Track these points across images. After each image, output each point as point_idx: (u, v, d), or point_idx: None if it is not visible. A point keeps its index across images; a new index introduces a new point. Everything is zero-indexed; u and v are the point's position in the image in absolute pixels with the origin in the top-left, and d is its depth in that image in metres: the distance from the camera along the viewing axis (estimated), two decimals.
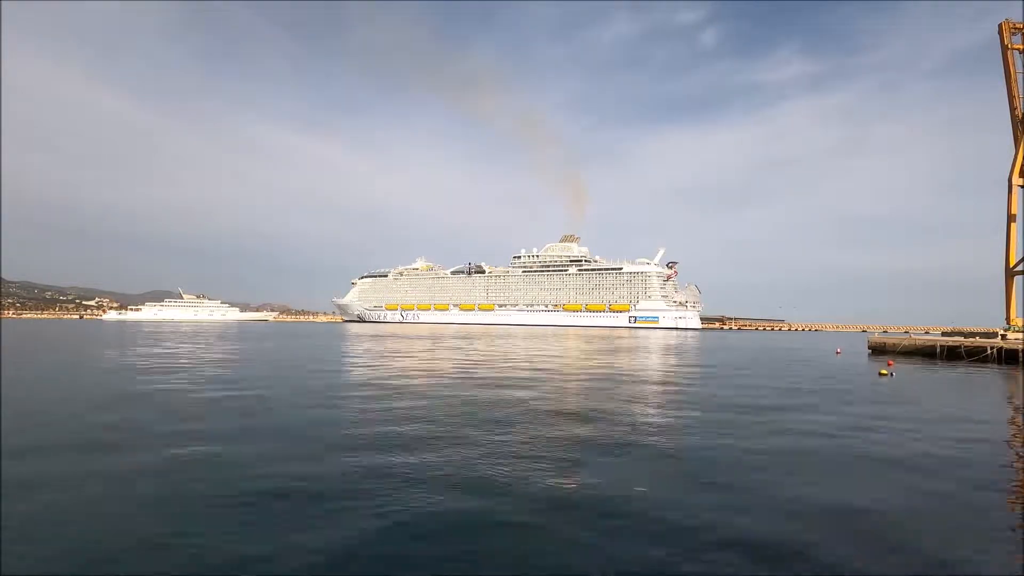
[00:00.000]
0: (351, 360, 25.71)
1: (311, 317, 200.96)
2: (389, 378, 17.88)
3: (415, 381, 17.07)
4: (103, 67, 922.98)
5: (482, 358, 26.83)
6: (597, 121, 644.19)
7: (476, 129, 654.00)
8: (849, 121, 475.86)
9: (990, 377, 23.51)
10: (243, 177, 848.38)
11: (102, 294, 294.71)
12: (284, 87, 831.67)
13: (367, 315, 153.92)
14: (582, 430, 9.94)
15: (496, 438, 9.12)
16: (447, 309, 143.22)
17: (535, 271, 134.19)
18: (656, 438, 9.50)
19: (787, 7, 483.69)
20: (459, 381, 17.19)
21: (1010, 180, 42.49)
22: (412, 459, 7.68)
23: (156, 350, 29.70)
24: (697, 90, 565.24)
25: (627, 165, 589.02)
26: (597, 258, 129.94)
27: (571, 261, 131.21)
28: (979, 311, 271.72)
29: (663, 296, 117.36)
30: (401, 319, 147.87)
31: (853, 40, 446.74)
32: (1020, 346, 31.15)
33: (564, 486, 6.63)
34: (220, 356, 26.54)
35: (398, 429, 9.67)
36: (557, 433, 9.63)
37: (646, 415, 11.88)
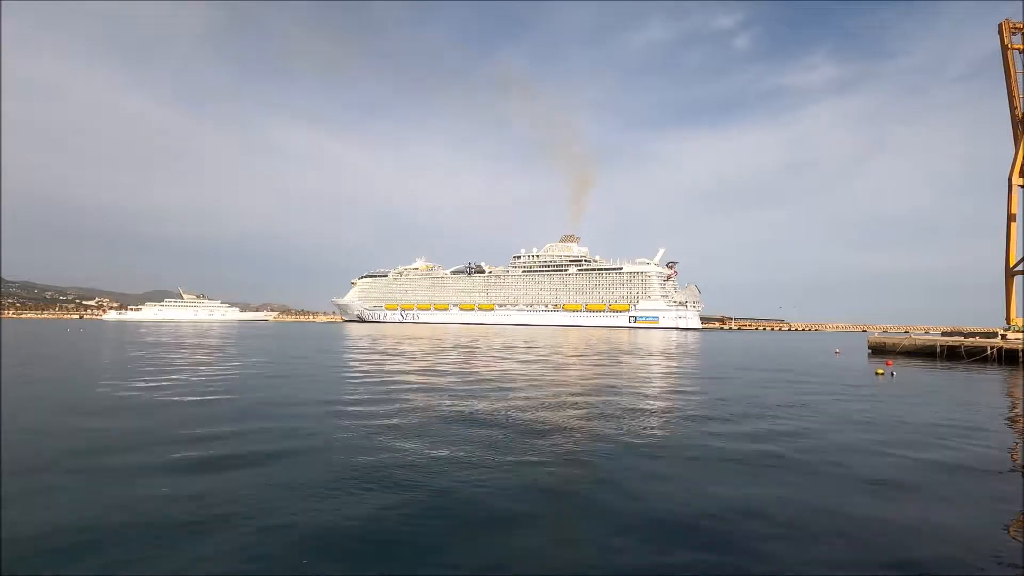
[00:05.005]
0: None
1: (311, 317, 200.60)
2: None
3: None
4: (101, 66, 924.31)
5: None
6: (618, 125, 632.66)
7: (489, 128, 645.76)
8: (867, 125, 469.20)
9: (990, 377, 23.47)
10: (243, 177, 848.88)
11: (102, 294, 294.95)
12: (293, 86, 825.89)
13: (367, 315, 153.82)
14: None
15: None
16: (447, 309, 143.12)
17: (535, 271, 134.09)
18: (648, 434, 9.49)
19: (822, 8, 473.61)
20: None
21: (1010, 180, 42.45)
22: None
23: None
24: (724, 94, 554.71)
25: (637, 167, 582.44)
26: (597, 258, 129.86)
27: (571, 261, 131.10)
28: (979, 311, 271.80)
29: (663, 296, 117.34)
30: (401, 319, 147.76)
31: (883, 44, 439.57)
32: (1020, 346, 31.12)
33: None
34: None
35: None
36: None
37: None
